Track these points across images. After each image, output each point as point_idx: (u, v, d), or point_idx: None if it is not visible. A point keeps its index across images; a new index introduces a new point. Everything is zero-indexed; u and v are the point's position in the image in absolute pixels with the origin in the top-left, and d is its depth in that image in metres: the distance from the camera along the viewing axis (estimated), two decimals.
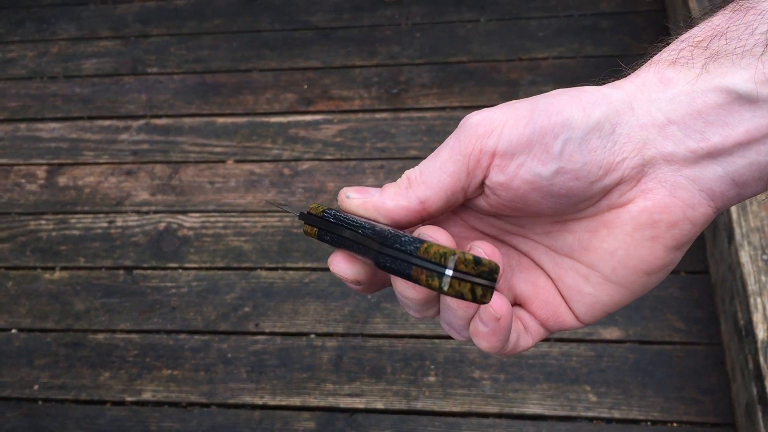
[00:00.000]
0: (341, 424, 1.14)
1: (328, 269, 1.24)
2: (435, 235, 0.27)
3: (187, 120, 1.62)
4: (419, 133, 1.52)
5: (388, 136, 1.52)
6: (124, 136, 1.62)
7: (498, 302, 0.27)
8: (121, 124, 1.64)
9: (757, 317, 0.99)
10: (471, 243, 0.28)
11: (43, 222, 1.48)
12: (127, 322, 1.30)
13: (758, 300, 1.00)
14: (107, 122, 1.65)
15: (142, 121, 1.64)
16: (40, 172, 1.58)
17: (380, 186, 0.30)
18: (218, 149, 1.55)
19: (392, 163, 1.48)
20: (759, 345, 0.97)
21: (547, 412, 1.11)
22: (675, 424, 1.08)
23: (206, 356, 1.24)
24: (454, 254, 0.24)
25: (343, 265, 0.29)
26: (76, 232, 1.45)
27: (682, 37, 0.28)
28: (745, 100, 0.26)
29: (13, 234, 1.47)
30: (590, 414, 1.11)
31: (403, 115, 1.56)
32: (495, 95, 1.56)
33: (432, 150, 0.30)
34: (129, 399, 1.21)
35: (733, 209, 1.08)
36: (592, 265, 0.30)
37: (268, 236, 1.39)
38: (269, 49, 1.75)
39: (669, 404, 1.10)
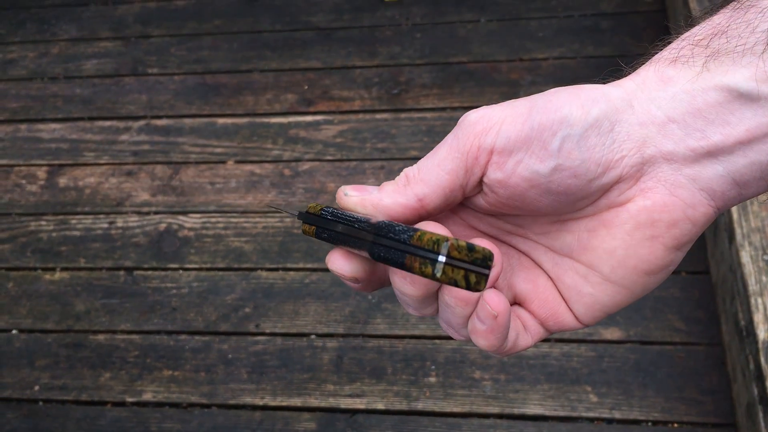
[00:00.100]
0: (342, 424, 1.14)
1: (328, 270, 1.24)
2: (432, 230, 0.27)
3: (188, 121, 1.62)
4: (420, 134, 1.51)
5: (389, 137, 1.52)
6: (124, 137, 1.62)
7: (496, 300, 0.27)
8: (121, 124, 1.64)
9: (758, 317, 0.99)
10: (470, 240, 0.28)
11: (43, 223, 1.48)
12: (127, 323, 1.30)
13: (759, 300, 1.00)
14: (108, 123, 1.65)
15: (142, 122, 1.64)
16: (41, 173, 1.58)
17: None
18: (219, 150, 1.55)
19: (393, 163, 1.47)
20: (760, 345, 0.97)
21: (547, 413, 1.11)
22: (676, 425, 1.08)
23: (207, 357, 1.24)
24: (447, 240, 0.24)
25: (340, 262, 0.29)
26: (77, 233, 1.45)
27: (682, 36, 0.28)
28: (746, 98, 0.25)
29: (14, 235, 1.47)
30: (591, 414, 1.10)
31: (403, 115, 1.56)
32: (495, 96, 1.56)
33: None
34: (130, 400, 1.21)
35: (734, 210, 1.08)
36: (591, 264, 0.30)
37: (268, 237, 1.39)
38: (270, 50, 1.75)
39: (670, 405, 1.09)
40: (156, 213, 1.46)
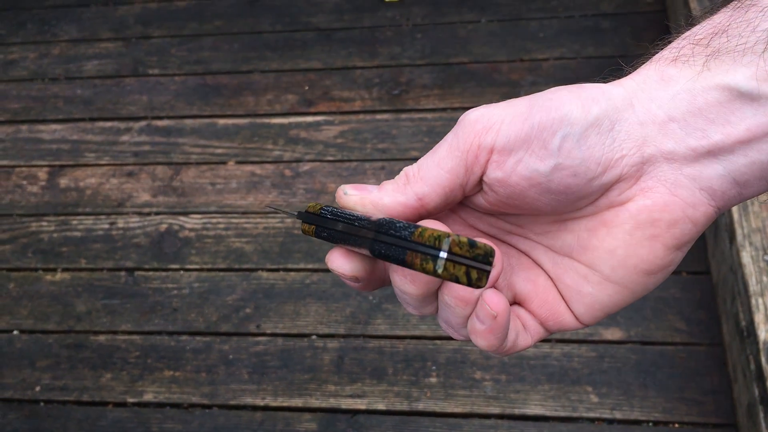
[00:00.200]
0: (343, 425, 1.14)
1: (329, 270, 1.24)
2: (433, 227, 0.27)
3: (189, 121, 1.62)
4: (420, 134, 1.51)
5: (389, 137, 1.52)
6: (125, 138, 1.62)
7: (495, 299, 0.27)
8: (122, 125, 1.64)
9: (759, 318, 0.98)
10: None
11: (44, 223, 1.48)
12: (128, 324, 1.30)
13: (760, 301, 1.00)
14: (108, 124, 1.65)
15: (143, 123, 1.64)
16: (42, 174, 1.58)
17: None
18: (219, 150, 1.55)
19: (393, 164, 1.47)
20: (760, 346, 0.96)
21: (548, 413, 1.11)
22: (677, 425, 1.08)
23: (208, 357, 1.24)
24: (448, 236, 0.24)
25: (340, 261, 0.29)
26: (78, 234, 1.45)
27: (683, 35, 0.28)
28: (747, 97, 0.25)
29: (15, 235, 1.47)
30: (592, 415, 1.10)
31: (404, 116, 1.55)
32: (496, 96, 1.56)
33: None
34: (131, 400, 1.21)
35: (735, 210, 1.08)
36: (591, 264, 0.30)
37: (269, 237, 1.39)
38: (270, 51, 1.75)
39: (670, 405, 1.09)
40: (157, 214, 1.46)
